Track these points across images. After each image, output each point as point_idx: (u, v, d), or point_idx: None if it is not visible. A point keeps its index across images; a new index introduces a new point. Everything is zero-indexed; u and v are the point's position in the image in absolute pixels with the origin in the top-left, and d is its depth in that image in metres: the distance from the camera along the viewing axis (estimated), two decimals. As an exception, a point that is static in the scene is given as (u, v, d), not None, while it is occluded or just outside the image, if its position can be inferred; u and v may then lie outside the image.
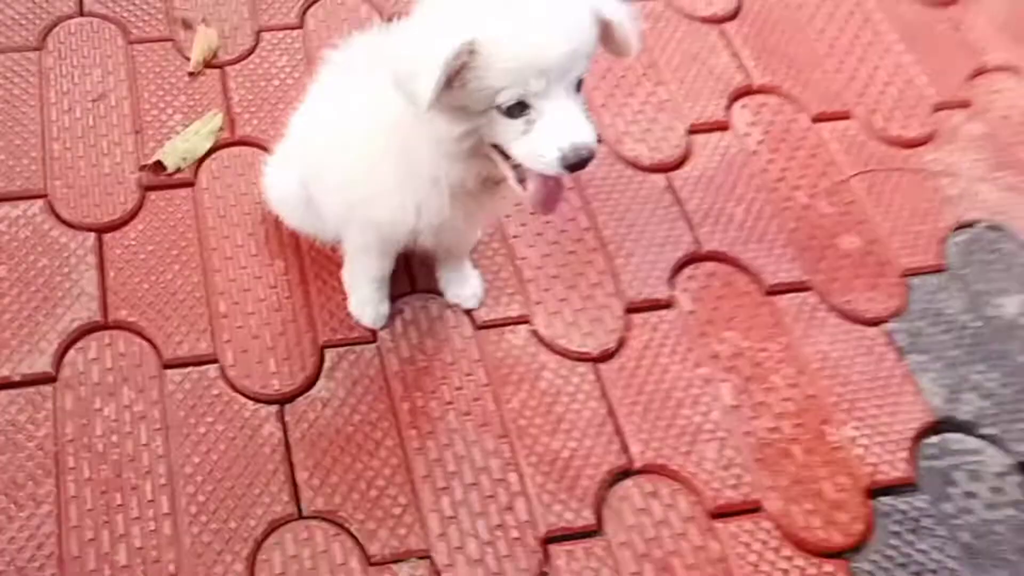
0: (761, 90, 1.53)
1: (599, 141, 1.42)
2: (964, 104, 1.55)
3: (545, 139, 0.85)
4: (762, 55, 1.57)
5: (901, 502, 1.16)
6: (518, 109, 0.85)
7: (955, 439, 1.22)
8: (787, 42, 1.59)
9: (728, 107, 1.50)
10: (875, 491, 1.17)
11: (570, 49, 0.83)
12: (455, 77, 0.83)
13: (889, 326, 1.31)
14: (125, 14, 1.50)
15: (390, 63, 0.87)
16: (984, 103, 1.55)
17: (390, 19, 1.53)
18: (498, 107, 0.85)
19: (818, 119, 1.51)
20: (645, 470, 1.17)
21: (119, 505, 1.10)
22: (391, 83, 0.87)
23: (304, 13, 1.53)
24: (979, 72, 1.59)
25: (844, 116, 1.52)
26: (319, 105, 1.12)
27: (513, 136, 0.87)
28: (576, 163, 0.86)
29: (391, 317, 1.25)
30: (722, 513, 1.14)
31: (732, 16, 1.62)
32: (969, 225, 1.42)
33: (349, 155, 1.02)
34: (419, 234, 1.05)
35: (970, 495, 1.18)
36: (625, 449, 1.18)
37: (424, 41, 0.83)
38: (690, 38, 1.57)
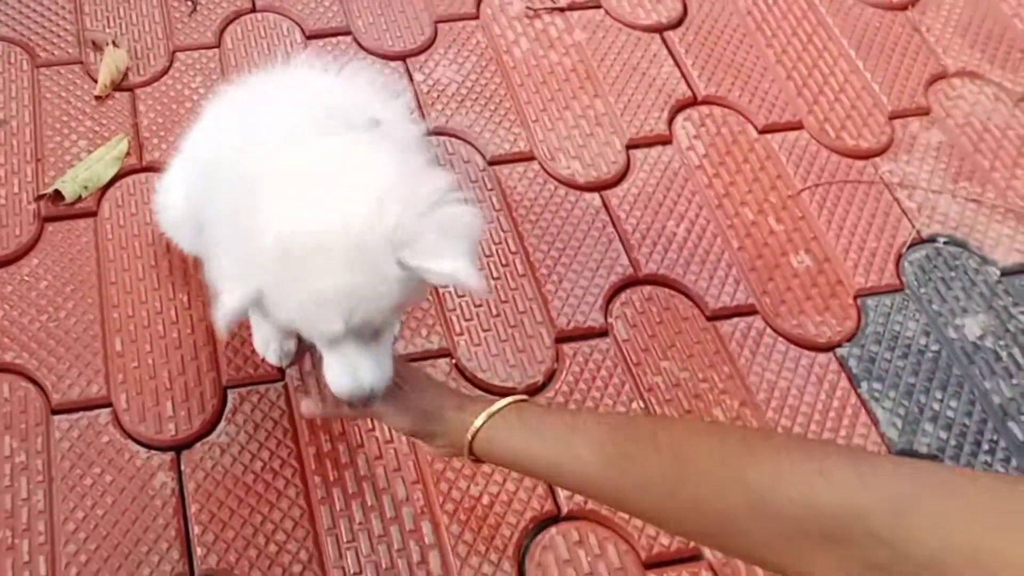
0: (706, 101, 1.44)
1: (533, 160, 1.35)
2: (922, 111, 1.45)
3: (333, 371, 0.83)
4: (707, 64, 1.48)
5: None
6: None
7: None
8: (734, 50, 1.50)
9: (670, 120, 1.41)
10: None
11: (357, 321, 0.77)
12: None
13: (841, 351, 1.22)
14: (34, 36, 1.43)
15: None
16: (943, 110, 1.46)
17: (311, 36, 1.46)
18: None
19: (766, 130, 1.42)
20: (572, 516, 1.08)
21: (-7, 567, 1.01)
22: None
23: (222, 32, 1.46)
24: (938, 77, 1.50)
25: (794, 127, 1.42)
26: (210, 131, 1.03)
27: (320, 343, 0.84)
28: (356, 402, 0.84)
29: (299, 353, 1.16)
30: (657, 563, 1.05)
31: (676, 24, 1.53)
32: (928, 241, 1.32)
33: (217, 195, 0.92)
34: None
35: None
36: (551, 494, 1.09)
37: (227, 268, 0.79)
38: (630, 48, 1.49)
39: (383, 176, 0.76)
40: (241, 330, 1.18)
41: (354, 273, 0.75)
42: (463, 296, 1.22)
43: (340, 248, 0.74)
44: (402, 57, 1.45)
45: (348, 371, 0.81)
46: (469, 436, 0.81)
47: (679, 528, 0.71)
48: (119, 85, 1.38)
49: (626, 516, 1.07)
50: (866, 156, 1.40)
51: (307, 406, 0.93)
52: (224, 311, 0.77)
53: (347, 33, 1.47)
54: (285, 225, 0.74)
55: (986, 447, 1.15)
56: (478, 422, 0.81)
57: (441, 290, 1.22)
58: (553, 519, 1.08)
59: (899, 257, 1.30)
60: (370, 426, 1.12)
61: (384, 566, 1.03)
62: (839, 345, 1.23)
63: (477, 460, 0.83)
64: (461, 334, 1.20)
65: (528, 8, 1.52)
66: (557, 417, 0.79)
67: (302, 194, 0.76)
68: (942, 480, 0.54)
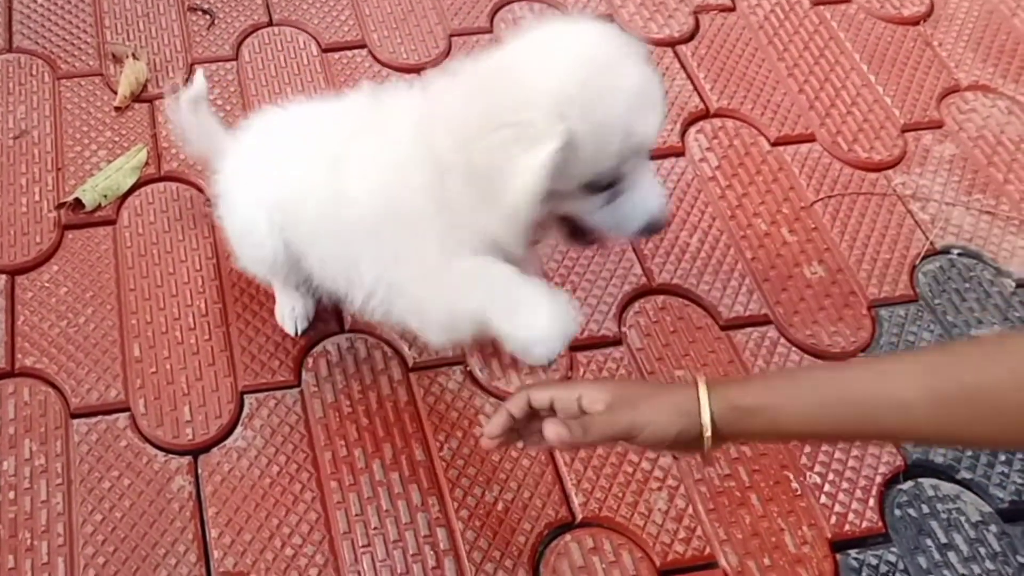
0: (718, 114, 1.46)
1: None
2: (935, 124, 1.46)
3: (630, 212, 0.82)
4: (719, 77, 1.50)
5: (870, 556, 1.06)
6: (606, 185, 0.80)
7: (929, 485, 1.12)
8: (746, 63, 1.52)
9: (683, 132, 1.43)
10: (841, 544, 1.07)
11: (664, 117, 0.81)
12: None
13: (856, 361, 1.22)
14: (55, 49, 1.46)
15: (452, 142, 0.79)
16: (956, 123, 1.47)
17: (327, 49, 1.49)
18: (586, 186, 0.79)
19: (779, 142, 1.43)
20: (586, 523, 1.08)
21: (11, 569, 1.01)
22: (451, 168, 0.80)
23: (239, 45, 1.48)
24: (950, 91, 1.51)
25: (807, 139, 1.44)
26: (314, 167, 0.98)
27: (594, 209, 0.82)
28: (656, 227, 0.84)
29: (316, 360, 1.17)
30: (672, 570, 1.05)
31: (688, 38, 1.55)
32: (942, 252, 1.33)
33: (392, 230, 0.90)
34: None
35: (947, 547, 1.07)
36: (566, 500, 1.09)
37: (508, 126, 0.75)
38: (643, 61, 1.51)
39: None
40: (258, 336, 1.19)
41: (645, 66, 0.78)
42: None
43: (631, 47, 0.77)
44: (417, 70, 1.47)
45: (655, 195, 0.82)
46: (706, 420, 0.77)
47: None
48: (138, 96, 1.40)
49: (641, 523, 1.07)
50: (879, 168, 1.41)
51: (555, 431, 0.80)
52: (544, 161, 0.73)
53: (362, 46, 1.50)
54: (578, 53, 0.76)
55: (1003, 457, 1.15)
56: (705, 417, 0.77)
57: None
58: (568, 525, 1.08)
59: (913, 268, 1.31)
60: (385, 432, 1.12)
61: (399, 571, 1.03)
62: (853, 355, 1.22)
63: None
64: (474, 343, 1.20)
65: (542, 22, 1.54)
66: (847, 371, 0.76)
67: (553, 46, 0.78)
68: None
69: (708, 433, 0.77)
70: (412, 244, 0.89)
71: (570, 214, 0.84)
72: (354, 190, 0.91)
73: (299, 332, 1.18)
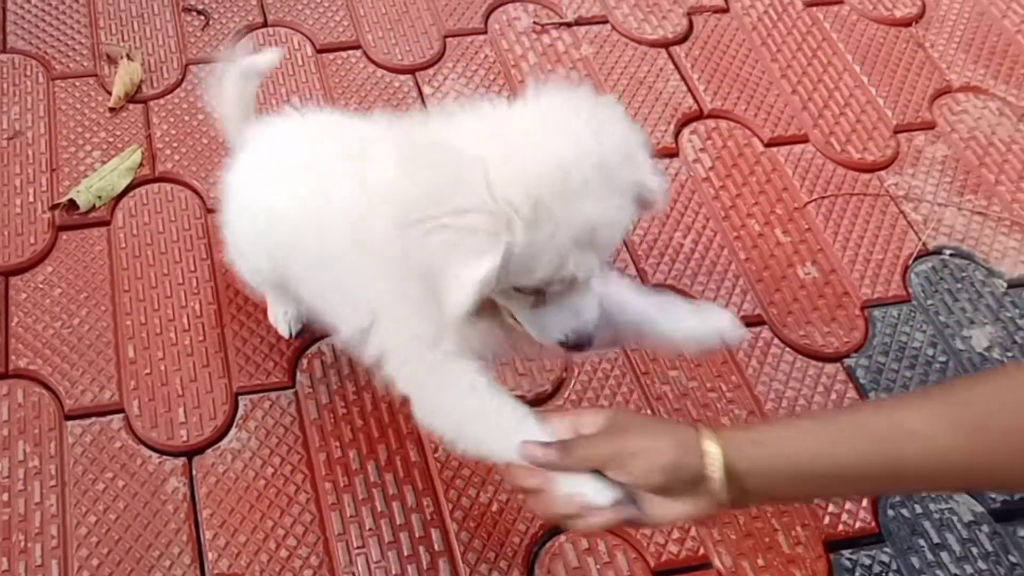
0: (712, 115, 1.46)
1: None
2: (927, 125, 1.47)
3: (552, 321, 0.78)
4: (713, 78, 1.50)
5: (863, 556, 1.07)
6: (533, 291, 0.77)
7: (921, 484, 1.13)
8: (740, 64, 1.53)
9: (676, 133, 1.43)
10: (835, 544, 1.08)
11: (609, 255, 0.76)
12: None
13: (849, 362, 1.22)
14: (49, 50, 1.45)
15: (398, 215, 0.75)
16: (948, 124, 1.48)
17: (322, 50, 1.49)
18: (512, 288, 0.76)
19: (772, 143, 1.43)
20: (581, 523, 1.08)
21: (5, 571, 1.01)
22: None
23: (235, 46, 1.48)
24: (942, 92, 1.51)
25: (800, 140, 1.44)
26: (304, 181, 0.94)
27: (522, 306, 0.79)
28: (576, 345, 0.79)
29: (310, 361, 1.17)
30: (666, 570, 1.05)
31: (682, 39, 1.55)
32: (934, 252, 1.33)
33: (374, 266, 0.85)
34: None
35: (939, 547, 1.08)
36: (560, 500, 1.09)
37: (451, 225, 0.70)
38: (636, 62, 1.51)
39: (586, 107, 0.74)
40: (252, 337, 1.19)
41: (608, 199, 0.71)
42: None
43: (593, 173, 0.70)
44: (411, 71, 1.47)
45: (581, 310, 0.77)
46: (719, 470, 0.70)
47: None
48: (133, 97, 1.40)
49: (635, 524, 1.07)
50: (871, 169, 1.42)
51: (527, 447, 0.79)
52: (477, 281, 0.70)
53: (357, 47, 1.50)
54: (536, 165, 0.69)
55: (994, 457, 1.15)
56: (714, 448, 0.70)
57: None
58: (560, 526, 1.08)
59: (905, 268, 1.31)
60: (379, 433, 1.12)
61: (394, 572, 1.03)
62: (847, 355, 1.23)
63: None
64: (470, 343, 1.20)
65: (535, 23, 1.54)
66: (864, 405, 0.74)
67: (528, 139, 0.71)
68: None
69: (713, 448, 0.71)
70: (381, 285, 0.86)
71: (500, 302, 0.81)
72: (330, 217, 0.88)
73: (292, 334, 1.18)
